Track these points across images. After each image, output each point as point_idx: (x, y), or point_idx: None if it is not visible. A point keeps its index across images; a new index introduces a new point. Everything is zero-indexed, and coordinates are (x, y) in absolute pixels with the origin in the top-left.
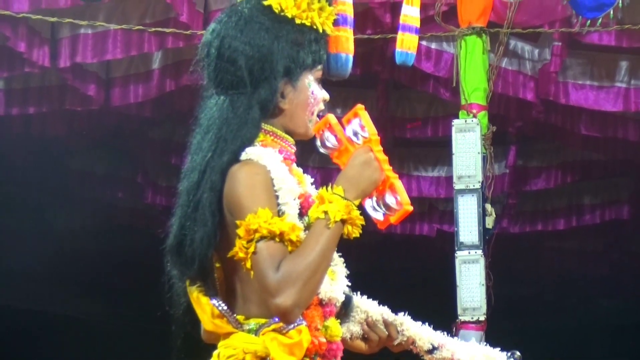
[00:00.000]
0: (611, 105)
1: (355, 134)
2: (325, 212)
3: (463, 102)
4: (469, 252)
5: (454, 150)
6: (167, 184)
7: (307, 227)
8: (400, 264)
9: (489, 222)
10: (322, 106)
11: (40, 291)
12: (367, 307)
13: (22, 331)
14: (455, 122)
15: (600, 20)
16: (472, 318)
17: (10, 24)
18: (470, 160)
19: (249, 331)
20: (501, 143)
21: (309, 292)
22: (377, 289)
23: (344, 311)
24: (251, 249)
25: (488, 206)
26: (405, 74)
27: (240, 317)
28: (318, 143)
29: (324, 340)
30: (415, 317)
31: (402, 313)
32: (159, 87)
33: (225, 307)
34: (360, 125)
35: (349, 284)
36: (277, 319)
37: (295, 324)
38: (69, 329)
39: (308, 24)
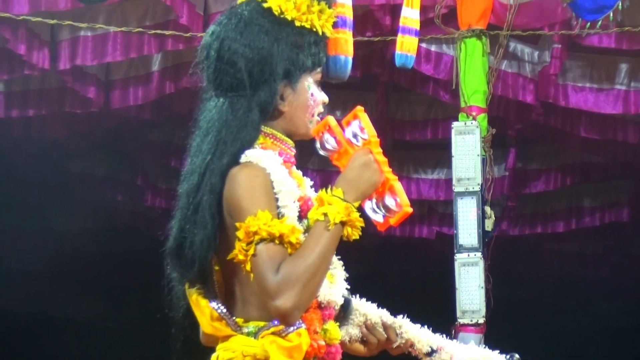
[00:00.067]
0: (611, 108)
1: (355, 136)
2: (325, 214)
3: (463, 104)
4: (469, 255)
5: (453, 153)
6: (166, 186)
7: (307, 230)
8: (400, 267)
9: (489, 224)
10: (321, 109)
11: (41, 292)
12: (366, 310)
13: (21, 331)
14: (454, 124)
15: (600, 23)
16: (471, 320)
17: (10, 26)
18: (469, 163)
19: (248, 334)
20: (501, 145)
21: (308, 294)
22: (376, 292)
23: (343, 314)
24: (251, 251)
25: (487, 209)
26: (405, 77)
27: (239, 320)
28: (318, 145)
29: (323, 343)
30: (414, 320)
31: (401, 316)
32: (158, 89)
33: (224, 310)
34: (360, 127)
35: (348, 286)
36: (276, 322)
37: (295, 327)
38: (69, 329)
39: (308, 26)
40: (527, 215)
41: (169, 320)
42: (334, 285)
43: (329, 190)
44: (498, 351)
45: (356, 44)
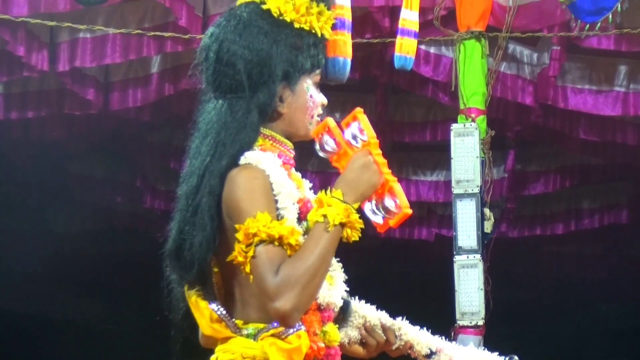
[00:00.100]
0: (610, 110)
1: (354, 137)
2: (325, 216)
3: (462, 106)
4: (468, 257)
5: (452, 155)
6: (165, 188)
7: (306, 232)
8: (399, 269)
9: (488, 226)
10: (320, 110)
11: (40, 293)
12: (365, 312)
13: (21, 332)
14: (454, 126)
15: (599, 25)
16: (470, 322)
17: (9, 28)
18: (468, 165)
19: (248, 336)
20: (500, 147)
21: (308, 295)
22: (375, 293)
23: (342, 316)
24: (250, 253)
25: (487, 210)
26: (404, 78)
27: (238, 322)
28: (317, 147)
29: (322, 345)
30: (413, 322)
31: (401, 317)
32: (157, 91)
33: (224, 312)
34: (359, 128)
35: (347, 288)
36: (275, 324)
37: (295, 329)
38: (68, 331)
39: (307, 28)
40: (526, 217)
41: (168, 322)
42: (334, 287)
43: (328, 191)
44: (497, 353)
45: (355, 46)
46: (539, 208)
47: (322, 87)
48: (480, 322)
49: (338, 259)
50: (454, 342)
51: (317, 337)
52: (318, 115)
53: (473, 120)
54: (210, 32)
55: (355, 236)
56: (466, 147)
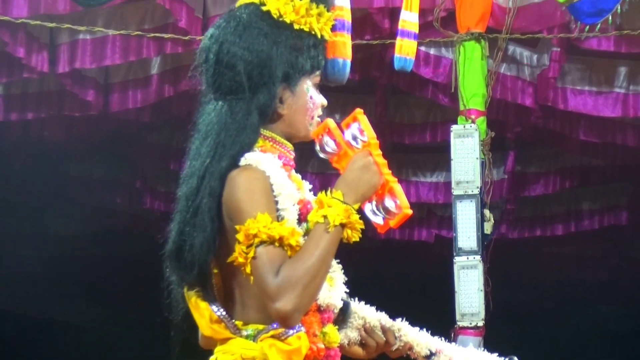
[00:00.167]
0: (610, 111)
1: (355, 138)
2: (325, 217)
3: (462, 107)
4: (468, 258)
5: (452, 156)
6: (165, 189)
7: (306, 233)
8: (399, 270)
9: (488, 227)
10: (320, 112)
11: (39, 294)
12: (365, 313)
13: (20, 334)
14: (453, 127)
15: (599, 26)
16: (470, 324)
17: (9, 29)
18: (468, 166)
19: (247, 337)
20: (500, 148)
21: (309, 296)
22: (375, 295)
23: (342, 317)
24: (251, 254)
25: (486, 212)
26: (404, 80)
27: (238, 323)
28: (317, 148)
29: (322, 346)
30: (413, 323)
31: (400, 319)
32: (157, 92)
33: (224, 313)
34: (360, 129)
35: (347, 290)
36: (275, 325)
37: (295, 331)
38: (68, 332)
39: (307, 29)
40: (526, 219)
41: (168, 323)
42: (333, 289)
43: (328, 192)
44: (497, 354)
45: (355, 47)
46: (539, 209)
47: (322, 88)
48: (480, 323)
49: (338, 261)
50: (453, 343)
51: (317, 338)
52: (318, 117)
53: (473, 122)
54: (210, 33)
55: (355, 237)
56: (466, 148)
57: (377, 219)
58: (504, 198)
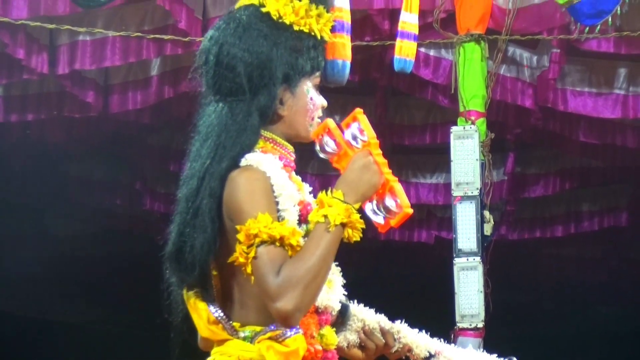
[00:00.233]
0: (610, 112)
1: (355, 137)
2: (325, 216)
3: (461, 109)
4: (467, 259)
5: (452, 157)
6: (165, 190)
7: (307, 234)
8: (399, 271)
9: (487, 229)
10: (320, 113)
11: (39, 295)
12: (364, 316)
13: (20, 335)
14: (453, 129)
15: (598, 27)
16: (470, 325)
17: (8, 30)
18: (468, 167)
19: (244, 339)
20: (499, 150)
21: (310, 296)
22: (375, 296)
23: (341, 320)
24: (251, 254)
25: (486, 213)
26: (404, 81)
27: (236, 324)
28: (317, 148)
29: (319, 348)
30: (413, 324)
31: (400, 320)
32: (157, 93)
33: (221, 314)
34: (359, 129)
35: (346, 292)
36: (273, 327)
37: (293, 332)
38: (68, 333)
39: (306, 30)
40: (526, 220)
41: (168, 324)
42: (332, 291)
43: (329, 192)
44: (497, 355)
45: (355, 49)
46: (539, 210)
47: (322, 89)
48: (480, 325)
49: (337, 263)
50: (453, 345)
51: (314, 340)
52: (318, 118)
53: (473, 123)
54: (210, 35)
55: (356, 236)
56: (466, 149)
57: (378, 219)
58: (503, 199)
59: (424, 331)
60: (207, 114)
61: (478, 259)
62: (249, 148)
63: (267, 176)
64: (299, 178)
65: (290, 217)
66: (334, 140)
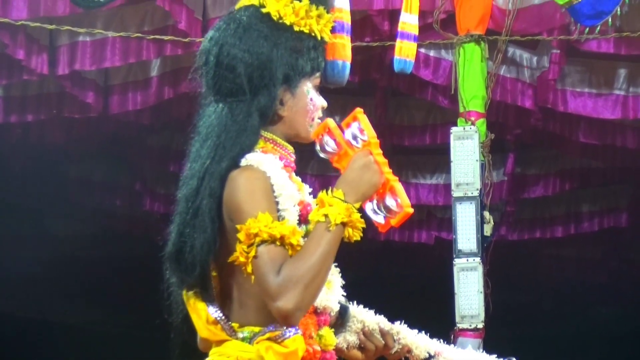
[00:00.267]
0: (610, 113)
1: (355, 137)
2: (326, 216)
3: (461, 109)
4: (467, 260)
5: (452, 158)
6: (165, 191)
7: (307, 235)
8: (399, 272)
9: (487, 229)
10: (320, 113)
11: (39, 296)
12: (364, 317)
13: (20, 336)
14: (453, 129)
15: (598, 28)
16: (470, 325)
17: (8, 31)
18: (468, 168)
19: (243, 339)
20: (499, 150)
21: (310, 295)
22: (375, 296)
23: (341, 321)
24: (252, 253)
25: (486, 214)
26: (404, 82)
27: (235, 325)
28: (317, 148)
29: (318, 348)
30: (413, 325)
31: (399, 321)
32: (157, 94)
33: (220, 314)
34: (360, 128)
35: (345, 293)
36: (272, 327)
37: (292, 333)
38: (67, 334)
39: (306, 31)
40: (526, 220)
41: (168, 325)
42: (331, 292)
43: (329, 191)
44: (496, 356)
45: (355, 49)
46: (539, 211)
47: (322, 90)
48: (480, 325)
49: (336, 264)
50: (453, 345)
51: (313, 340)
52: (318, 118)
53: (473, 124)
54: (210, 35)
55: (356, 236)
56: (466, 150)
57: (378, 218)
58: (503, 200)
59: (423, 332)
60: (207, 115)
61: (478, 259)
62: (249, 148)
63: (268, 176)
64: (299, 179)
65: (291, 217)
66: (334, 140)
